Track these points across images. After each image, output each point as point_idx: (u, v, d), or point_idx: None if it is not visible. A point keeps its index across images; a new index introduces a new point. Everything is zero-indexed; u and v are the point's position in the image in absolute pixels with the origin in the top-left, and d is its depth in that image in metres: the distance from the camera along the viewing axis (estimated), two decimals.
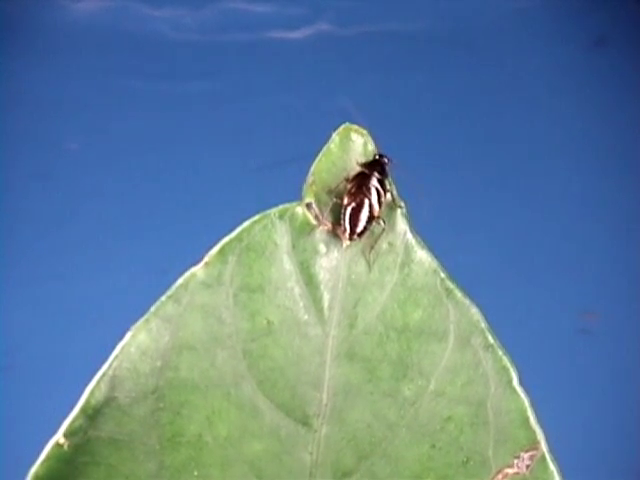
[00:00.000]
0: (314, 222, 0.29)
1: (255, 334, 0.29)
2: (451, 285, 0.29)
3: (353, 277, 0.29)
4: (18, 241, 0.79)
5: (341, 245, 0.29)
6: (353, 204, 0.30)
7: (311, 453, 0.29)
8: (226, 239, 0.29)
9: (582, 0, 0.86)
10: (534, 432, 0.28)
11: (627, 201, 0.81)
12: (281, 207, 0.29)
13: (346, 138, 0.30)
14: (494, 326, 0.29)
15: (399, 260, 0.29)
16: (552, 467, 0.28)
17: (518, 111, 0.85)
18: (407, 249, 0.29)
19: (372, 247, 0.29)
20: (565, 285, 0.80)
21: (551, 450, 0.28)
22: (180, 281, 0.28)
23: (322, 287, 0.29)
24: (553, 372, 0.74)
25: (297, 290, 0.29)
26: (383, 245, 0.29)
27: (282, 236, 0.29)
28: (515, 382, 0.28)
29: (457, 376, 0.29)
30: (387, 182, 0.30)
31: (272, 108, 0.84)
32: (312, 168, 0.29)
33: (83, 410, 0.28)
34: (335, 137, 0.30)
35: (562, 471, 0.28)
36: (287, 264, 0.29)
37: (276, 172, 0.76)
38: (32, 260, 0.78)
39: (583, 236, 0.81)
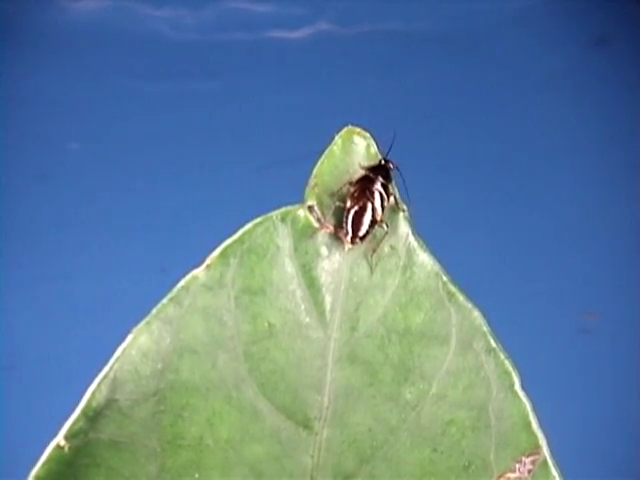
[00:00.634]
0: (316, 225, 0.29)
1: (256, 337, 0.29)
2: (453, 288, 0.29)
3: (355, 280, 0.29)
4: (19, 241, 0.79)
5: (343, 248, 0.29)
6: (356, 207, 0.30)
7: (312, 456, 0.29)
8: (228, 241, 0.29)
9: (582, 0, 0.86)
10: (536, 436, 0.28)
11: (627, 201, 0.81)
12: (283, 209, 0.29)
13: (349, 141, 0.30)
14: (494, 326, 0.29)
15: (401, 263, 0.29)
16: (554, 472, 0.28)
17: (518, 111, 0.85)
18: (409, 252, 0.29)
19: (374, 250, 0.29)
20: (565, 285, 0.80)
21: (553, 454, 0.28)
22: (181, 283, 0.28)
23: (324, 290, 0.29)
24: (553, 372, 0.74)
25: (299, 293, 0.29)
26: (385, 248, 0.29)
27: (284, 239, 0.29)
28: (517, 386, 0.28)
29: (459, 380, 0.29)
30: (391, 186, 0.30)
31: (272, 108, 0.84)
32: (314, 170, 0.29)
33: (84, 412, 0.28)
34: (338, 139, 0.30)
35: (564, 475, 0.28)
36: (289, 267, 0.29)
37: (277, 172, 0.76)
38: (33, 261, 0.78)
39: (583, 236, 0.81)
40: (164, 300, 0.28)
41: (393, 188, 0.30)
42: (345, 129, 0.29)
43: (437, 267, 0.29)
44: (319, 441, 0.29)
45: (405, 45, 0.86)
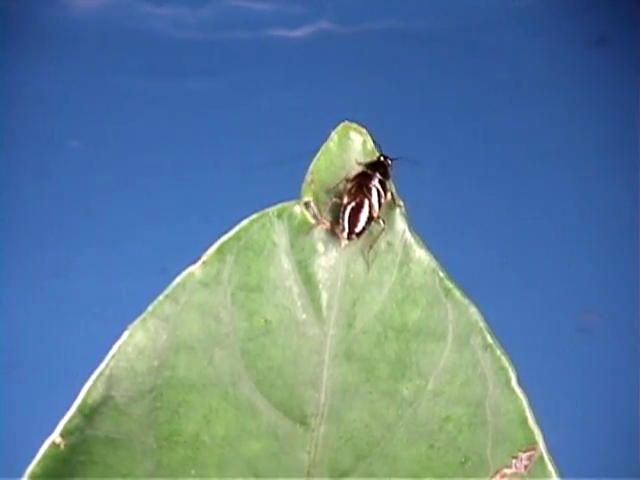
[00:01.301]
0: (312, 221, 0.29)
1: (253, 333, 0.29)
2: (450, 284, 0.29)
3: (352, 276, 0.29)
4: (19, 239, 0.79)
5: (340, 244, 0.29)
6: (353, 204, 0.30)
7: (309, 452, 0.29)
8: (224, 238, 0.29)
9: (582, 0, 0.86)
10: (532, 432, 0.28)
11: (627, 201, 0.81)
12: (279, 206, 0.29)
13: (345, 137, 0.30)
14: (494, 325, 0.29)
15: (398, 259, 0.29)
16: (550, 467, 0.28)
17: (518, 110, 0.85)
18: (406, 248, 0.29)
19: (371, 246, 0.29)
20: (565, 284, 0.79)
21: (549, 450, 0.28)
22: (178, 280, 0.28)
23: (320, 286, 0.29)
24: (553, 371, 0.74)
25: (295, 289, 0.29)
26: (382, 244, 0.29)
27: (280, 235, 0.29)
28: (513, 382, 0.28)
29: (455, 376, 0.29)
30: (388, 183, 0.30)
31: (273, 106, 0.84)
32: (311, 167, 0.29)
33: (80, 409, 0.28)
34: (334, 135, 0.30)
35: (560, 471, 0.28)
36: (285, 263, 0.29)
37: (276, 170, 0.76)
38: (33, 259, 0.78)
39: (583, 235, 0.81)
40: (160, 297, 0.28)
41: (390, 184, 0.30)
42: (341, 125, 0.29)
43: (434, 263, 0.29)
44: (316, 437, 0.29)
45: (405, 44, 0.86)
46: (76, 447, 0.28)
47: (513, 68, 0.86)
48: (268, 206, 0.29)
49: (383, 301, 0.29)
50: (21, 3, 0.84)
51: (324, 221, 0.29)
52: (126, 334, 0.28)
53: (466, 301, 0.29)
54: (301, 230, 0.29)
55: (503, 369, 0.28)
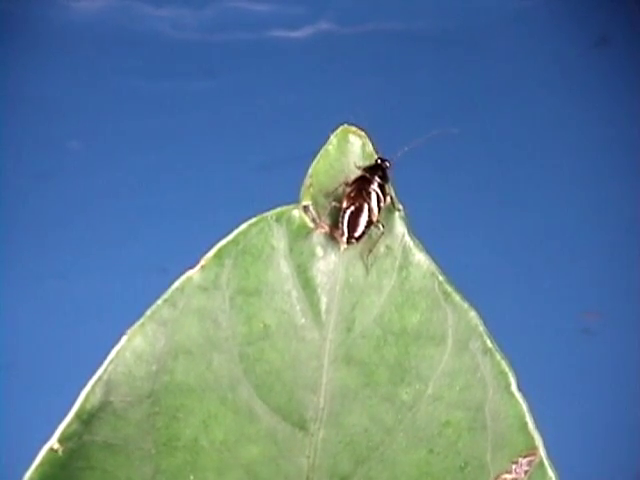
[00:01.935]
0: (311, 225, 0.29)
1: (252, 338, 0.29)
2: (449, 288, 0.29)
3: (351, 280, 0.29)
4: (19, 240, 0.79)
5: (338, 248, 0.29)
6: (352, 208, 0.29)
7: (308, 457, 0.29)
8: (222, 242, 0.28)
9: (583, 0, 0.86)
10: (532, 437, 0.28)
11: (627, 201, 0.81)
12: (278, 210, 0.29)
13: (344, 140, 0.29)
14: (495, 326, 0.29)
15: (397, 263, 0.29)
16: (550, 473, 0.28)
17: (519, 111, 0.85)
18: (405, 252, 0.29)
19: (370, 250, 0.29)
20: (566, 285, 0.79)
21: (549, 455, 0.28)
22: (176, 284, 0.28)
23: (319, 290, 0.29)
24: (554, 372, 0.74)
25: (294, 293, 0.29)
26: (381, 248, 0.29)
27: (279, 239, 0.29)
28: (513, 387, 0.28)
29: (455, 380, 0.28)
30: (387, 186, 0.30)
31: (273, 107, 0.84)
32: (310, 170, 0.29)
33: (78, 415, 0.27)
34: (333, 139, 0.29)
35: (560, 477, 0.28)
36: (284, 267, 0.29)
37: (276, 171, 0.75)
38: (33, 259, 0.78)
39: (584, 236, 0.81)
40: (159, 301, 0.28)
41: (389, 188, 0.30)
42: (340, 128, 0.29)
43: (433, 267, 0.29)
44: (315, 442, 0.29)
45: (405, 45, 0.86)
46: (74, 453, 0.27)
47: (514, 69, 0.86)
48: (268, 208, 0.29)
49: (382, 305, 0.29)
50: (21, 4, 0.84)
51: (323, 225, 0.29)
52: (124, 339, 0.28)
53: (465, 305, 0.28)
54: (300, 234, 0.29)
55: (503, 373, 0.28)
